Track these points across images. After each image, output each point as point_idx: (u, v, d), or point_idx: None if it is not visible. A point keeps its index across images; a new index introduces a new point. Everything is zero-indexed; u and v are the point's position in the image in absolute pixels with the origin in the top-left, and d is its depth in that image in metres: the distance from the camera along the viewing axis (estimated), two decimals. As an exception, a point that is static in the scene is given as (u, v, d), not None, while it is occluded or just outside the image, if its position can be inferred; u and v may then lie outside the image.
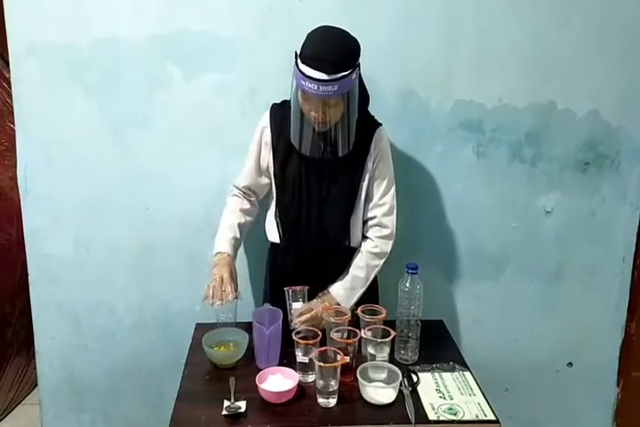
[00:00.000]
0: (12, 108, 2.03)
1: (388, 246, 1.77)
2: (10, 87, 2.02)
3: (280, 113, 1.73)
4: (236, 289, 1.66)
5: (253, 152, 1.79)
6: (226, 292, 1.62)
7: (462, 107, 2.01)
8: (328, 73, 1.47)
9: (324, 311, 1.66)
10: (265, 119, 1.76)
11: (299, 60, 1.50)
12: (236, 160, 1.99)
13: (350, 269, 1.77)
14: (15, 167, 2.03)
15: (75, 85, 1.95)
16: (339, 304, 1.73)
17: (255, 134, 1.78)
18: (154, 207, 2.06)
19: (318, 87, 1.47)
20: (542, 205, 2.12)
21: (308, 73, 1.47)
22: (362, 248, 1.78)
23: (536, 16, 1.94)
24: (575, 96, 2.02)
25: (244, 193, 1.86)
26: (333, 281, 1.78)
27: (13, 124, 2.01)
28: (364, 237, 1.79)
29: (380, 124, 1.75)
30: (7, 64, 1.96)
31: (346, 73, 1.49)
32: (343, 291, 1.75)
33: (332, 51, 1.49)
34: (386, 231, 1.76)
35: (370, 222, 1.77)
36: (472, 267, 2.17)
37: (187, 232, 2.08)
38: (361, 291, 1.76)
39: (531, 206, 2.12)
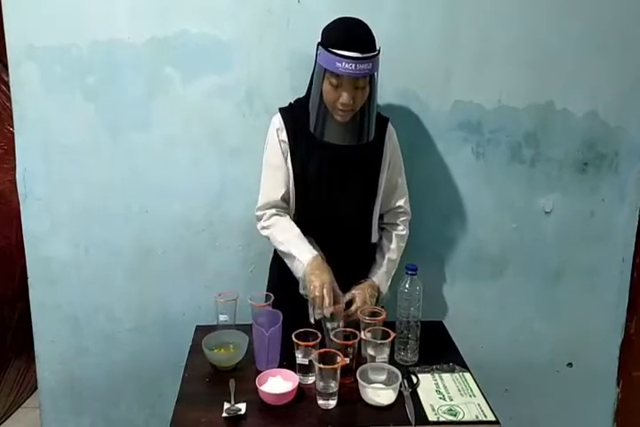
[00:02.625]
0: (10, 111, 2.03)
1: (408, 230, 1.89)
2: (9, 90, 2.02)
3: (292, 114, 1.72)
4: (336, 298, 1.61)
5: (276, 157, 1.72)
6: (326, 303, 1.56)
7: (461, 107, 2.01)
8: (362, 52, 1.53)
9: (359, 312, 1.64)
10: (277, 122, 1.73)
11: (327, 48, 1.54)
12: (235, 163, 1.99)
13: (384, 253, 1.82)
14: (14, 170, 2.03)
15: (74, 88, 1.95)
16: (379, 290, 1.77)
17: (269, 140, 1.74)
18: (153, 210, 2.06)
19: (355, 66, 1.52)
20: (541, 205, 2.12)
21: (344, 54, 1.52)
22: (391, 232, 1.85)
23: (535, 17, 1.94)
24: (574, 97, 2.02)
25: (279, 209, 1.76)
26: (352, 280, 1.75)
27: (12, 127, 2.01)
28: (390, 224, 1.86)
29: (388, 118, 1.79)
30: (6, 67, 1.96)
31: (375, 52, 1.56)
32: (383, 276, 1.80)
33: (359, 32, 1.58)
34: (409, 217, 1.88)
35: (397, 210, 1.85)
36: (471, 267, 2.17)
37: (186, 235, 2.08)
38: (392, 274, 1.83)
39: (530, 207, 2.12)
